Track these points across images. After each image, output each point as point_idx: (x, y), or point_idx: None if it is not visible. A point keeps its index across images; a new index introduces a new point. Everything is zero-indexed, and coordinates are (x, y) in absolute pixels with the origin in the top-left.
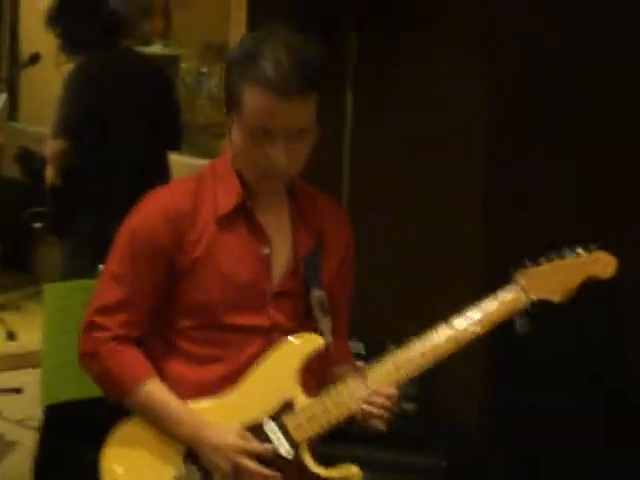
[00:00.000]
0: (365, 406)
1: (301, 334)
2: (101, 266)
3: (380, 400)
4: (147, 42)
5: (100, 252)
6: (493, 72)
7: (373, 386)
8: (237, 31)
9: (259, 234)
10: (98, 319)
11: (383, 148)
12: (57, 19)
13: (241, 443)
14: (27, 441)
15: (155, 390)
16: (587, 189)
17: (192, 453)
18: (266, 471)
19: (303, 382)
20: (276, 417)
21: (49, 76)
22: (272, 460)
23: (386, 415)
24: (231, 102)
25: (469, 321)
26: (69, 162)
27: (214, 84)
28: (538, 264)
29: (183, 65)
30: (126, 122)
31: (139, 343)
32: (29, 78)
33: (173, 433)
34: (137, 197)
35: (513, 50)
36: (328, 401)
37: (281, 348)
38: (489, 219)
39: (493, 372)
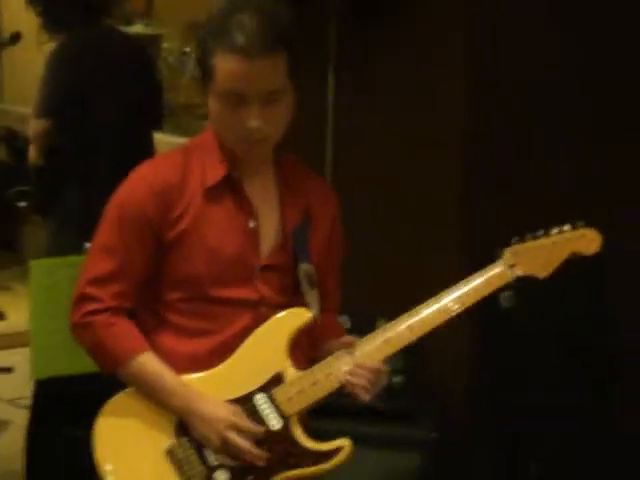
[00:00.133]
0: (348, 377)
1: (289, 308)
2: (87, 244)
3: (363, 372)
4: (129, 22)
5: (85, 230)
6: (475, 52)
7: (361, 360)
8: None
9: (246, 207)
10: (90, 290)
11: (365, 130)
12: (36, 3)
13: (232, 418)
14: (19, 420)
15: (148, 362)
16: (572, 168)
17: (184, 425)
18: (254, 450)
19: (292, 356)
20: (266, 390)
21: (32, 56)
22: (261, 438)
23: (370, 387)
24: (205, 73)
25: (457, 295)
26: (52, 141)
27: (198, 69)
28: (524, 241)
29: (165, 45)
30: (108, 101)
31: (131, 316)
32: (11, 58)
33: (166, 404)
34: (121, 175)
35: (492, 25)
36: (318, 374)
37: (270, 322)
38: (471, 196)
39: (480, 344)
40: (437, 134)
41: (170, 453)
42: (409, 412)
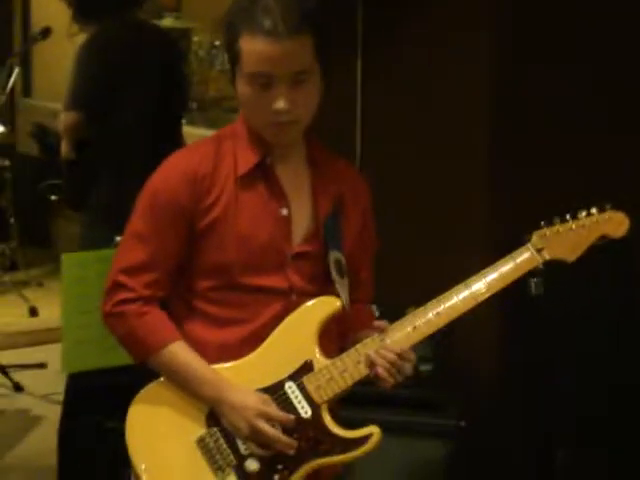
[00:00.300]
0: (373, 357)
1: (319, 297)
2: (118, 238)
3: (388, 355)
4: (159, 15)
5: (117, 223)
6: (504, 35)
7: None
8: None
9: (278, 194)
10: (123, 279)
11: (394, 116)
12: None
13: (261, 407)
14: (52, 415)
15: (180, 351)
16: (598, 154)
17: (214, 414)
18: (284, 438)
19: (322, 344)
20: (296, 379)
21: (62, 51)
22: (291, 426)
23: (395, 372)
24: (232, 59)
25: (485, 281)
26: (82, 134)
27: (226, 57)
28: (552, 224)
29: (195, 38)
30: (138, 93)
31: (163, 305)
32: (42, 54)
33: (196, 393)
34: (151, 168)
35: (522, 15)
36: (347, 361)
37: (299, 310)
38: (498, 183)
39: (509, 332)
40: (466, 120)
41: (201, 442)
42: (437, 400)
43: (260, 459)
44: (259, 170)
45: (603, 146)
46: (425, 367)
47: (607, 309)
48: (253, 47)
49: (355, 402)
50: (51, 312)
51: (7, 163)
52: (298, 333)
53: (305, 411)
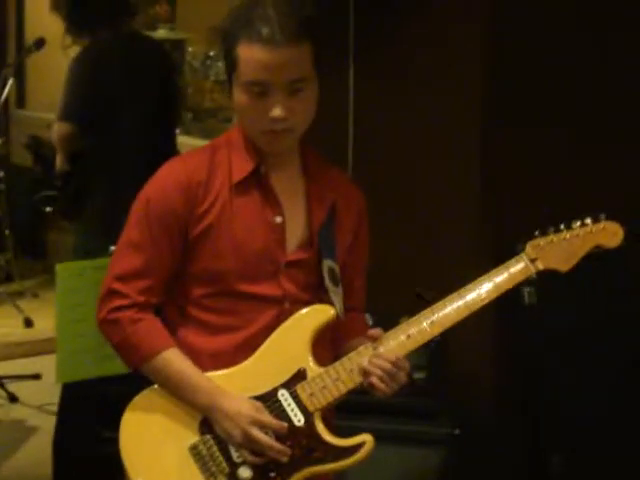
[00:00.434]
0: (365, 365)
1: (313, 305)
2: (112, 247)
3: (381, 362)
4: (153, 27)
5: (111, 233)
6: (493, 46)
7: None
8: None
9: (272, 203)
10: (117, 286)
11: (386, 122)
12: (62, 2)
13: (255, 414)
14: (47, 426)
15: (173, 358)
16: (593, 161)
17: (207, 421)
18: (277, 445)
19: (315, 353)
20: (289, 386)
21: (55, 63)
22: (284, 434)
23: (388, 380)
24: (229, 67)
25: (478, 291)
26: (75, 145)
27: (221, 68)
28: (546, 234)
29: (190, 49)
30: (131, 104)
31: (157, 312)
32: (36, 65)
33: (189, 401)
34: (145, 178)
35: (513, 25)
36: (340, 370)
37: (293, 318)
38: (491, 191)
39: (503, 340)
40: (457, 124)
41: (194, 449)
42: (431, 409)
43: (253, 467)
44: (253, 178)
45: (599, 151)
46: (419, 375)
47: (603, 317)
48: (250, 55)
49: (349, 410)
50: (46, 323)
51: (1, 174)
52: (292, 341)
53: (298, 419)
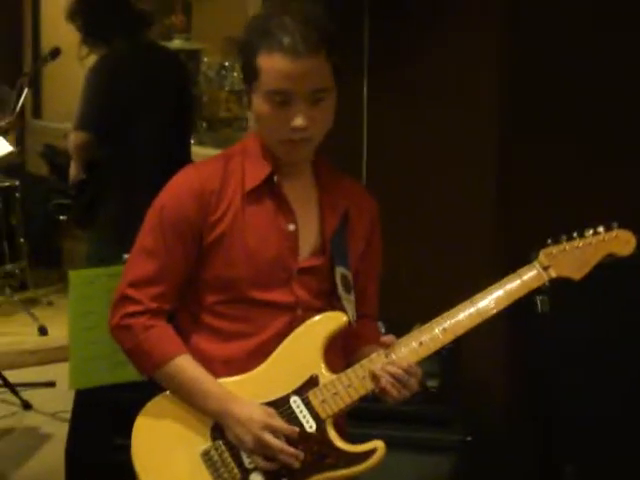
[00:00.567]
0: (378, 372)
1: (325, 312)
2: (126, 255)
3: (394, 369)
4: (169, 37)
5: (125, 241)
6: (507, 58)
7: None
8: None
9: (285, 210)
10: (130, 292)
11: (400, 130)
12: (78, 13)
13: (267, 419)
14: (61, 433)
15: (185, 364)
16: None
17: (219, 427)
18: (290, 449)
19: (328, 359)
20: (301, 393)
21: (71, 72)
22: (295, 439)
23: (400, 386)
24: (249, 77)
25: (491, 298)
26: (91, 154)
27: (236, 78)
28: (559, 242)
29: (205, 59)
30: (146, 113)
31: (170, 319)
32: (52, 75)
33: (201, 407)
34: (160, 186)
35: (531, 28)
36: (352, 376)
37: (305, 325)
38: (506, 200)
39: (516, 347)
40: (472, 136)
41: (206, 455)
42: (444, 416)
43: (264, 473)
44: (266, 186)
45: (614, 161)
46: (432, 383)
47: (617, 326)
48: (272, 64)
49: (361, 417)
50: (60, 331)
51: (17, 183)
52: (304, 348)
53: (310, 425)
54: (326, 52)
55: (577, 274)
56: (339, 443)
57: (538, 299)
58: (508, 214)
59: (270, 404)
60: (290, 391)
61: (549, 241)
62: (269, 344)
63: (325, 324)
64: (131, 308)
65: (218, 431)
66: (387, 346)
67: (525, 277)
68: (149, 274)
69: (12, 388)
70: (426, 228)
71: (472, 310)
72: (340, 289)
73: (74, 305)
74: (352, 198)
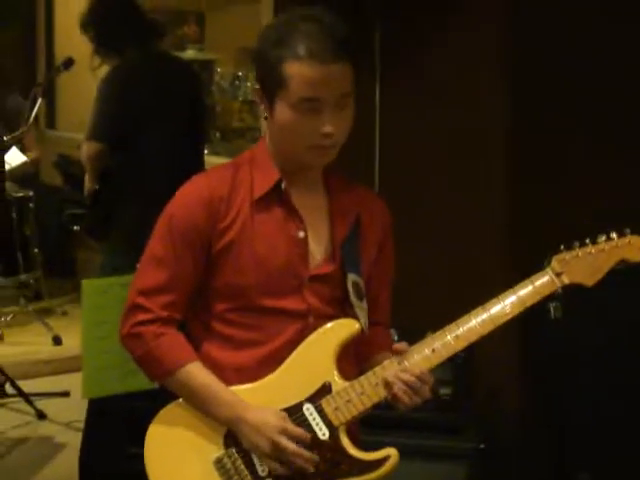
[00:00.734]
0: (391, 379)
1: (338, 319)
2: (138, 265)
3: (406, 377)
4: (182, 47)
5: (139, 252)
6: (513, 58)
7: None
8: None
9: (294, 218)
10: (140, 301)
11: (412, 135)
12: (90, 23)
13: (282, 424)
14: (75, 443)
15: (197, 372)
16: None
17: (232, 434)
18: (305, 453)
19: (340, 367)
20: (314, 400)
21: (86, 83)
22: (309, 445)
23: (412, 394)
24: (272, 86)
25: (503, 304)
26: (104, 164)
27: (249, 88)
28: (571, 249)
29: (218, 69)
30: (159, 124)
31: (181, 327)
32: (66, 86)
33: (214, 414)
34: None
35: (533, 29)
36: (365, 383)
37: (317, 333)
38: (519, 204)
39: (529, 355)
40: (480, 134)
41: (218, 463)
42: (457, 423)
43: None
44: (275, 194)
45: (629, 162)
46: (445, 391)
47: (631, 333)
48: (301, 72)
49: (374, 425)
50: (75, 341)
51: (31, 193)
52: (316, 355)
53: (323, 433)
54: (347, 57)
55: (590, 280)
56: (352, 451)
57: (551, 306)
58: (518, 213)
59: (283, 412)
60: (303, 399)
61: (562, 247)
62: (281, 352)
63: (337, 331)
64: (141, 316)
65: (231, 439)
66: (400, 353)
67: (537, 283)
68: (159, 283)
69: (27, 398)
70: (439, 234)
71: (485, 317)
72: (352, 296)
73: (87, 314)
74: (363, 204)
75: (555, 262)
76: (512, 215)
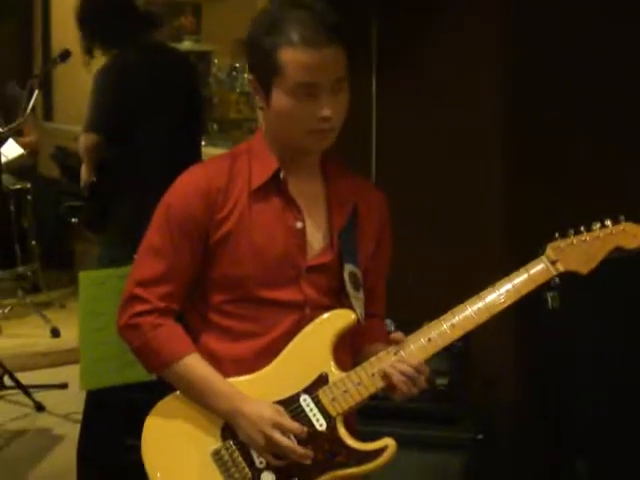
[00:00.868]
0: (387, 369)
1: (334, 310)
2: (136, 256)
3: (403, 367)
4: (178, 39)
5: (136, 243)
6: (512, 53)
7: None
8: None
9: (292, 208)
10: (138, 291)
11: (409, 128)
12: (85, 17)
13: (277, 418)
14: (73, 435)
15: (194, 364)
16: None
17: (229, 427)
18: (299, 448)
19: (337, 357)
20: (311, 391)
21: (83, 75)
22: (306, 437)
23: (409, 383)
24: (267, 74)
25: (499, 293)
26: (102, 156)
27: (247, 79)
28: (566, 236)
29: (216, 61)
30: (156, 115)
31: (178, 319)
32: (63, 78)
33: (211, 406)
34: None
35: (529, 23)
36: (362, 373)
37: (314, 323)
38: (516, 195)
39: (526, 344)
40: (479, 132)
41: (216, 455)
42: (454, 414)
43: (276, 472)
44: (273, 184)
45: (625, 157)
46: (442, 381)
47: (628, 322)
48: (296, 58)
49: (371, 415)
50: (73, 333)
51: (28, 185)
52: (313, 346)
53: (320, 424)
54: (340, 41)
55: (584, 268)
56: (349, 441)
57: (548, 295)
58: (516, 212)
59: (280, 403)
60: (300, 390)
61: (556, 235)
62: (278, 343)
63: (334, 322)
64: (139, 307)
65: (228, 431)
66: (396, 343)
67: (532, 271)
68: (157, 273)
69: (25, 390)
70: (436, 226)
71: (480, 305)
72: (348, 286)
73: (84, 306)
74: (361, 195)
75: (550, 250)
76: (512, 213)
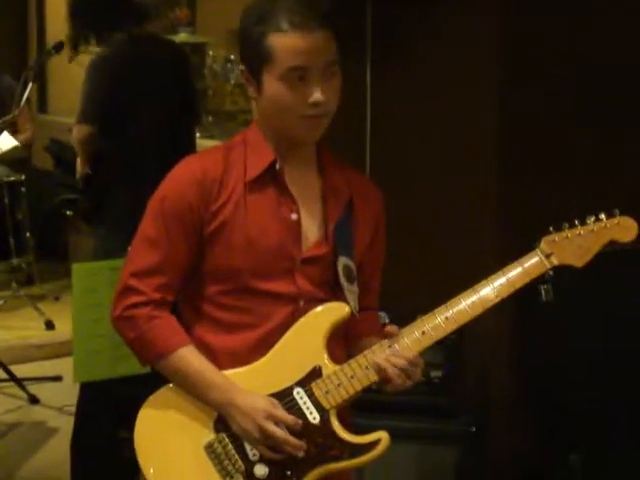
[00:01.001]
0: (381, 363)
1: (328, 303)
2: (130, 247)
3: (398, 360)
4: (173, 31)
5: (131, 235)
6: (509, 43)
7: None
8: None
9: (287, 200)
10: (133, 283)
11: (403, 120)
12: (77, 10)
13: (270, 409)
14: (67, 427)
15: (189, 356)
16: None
17: (222, 419)
18: (292, 440)
19: (330, 350)
20: (304, 384)
21: (78, 68)
22: (299, 430)
23: (404, 376)
24: (258, 62)
25: (493, 286)
26: (95, 147)
27: (239, 70)
28: (561, 230)
29: (210, 53)
30: (149, 106)
31: (173, 310)
32: (58, 70)
33: (204, 398)
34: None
35: (527, 13)
36: (355, 366)
37: (307, 316)
38: (508, 191)
39: (520, 337)
40: (474, 123)
41: (209, 448)
42: (447, 406)
43: (269, 464)
44: (268, 175)
45: (621, 150)
46: (436, 374)
47: (623, 315)
48: (286, 43)
49: (365, 408)
50: (67, 326)
51: (22, 178)
52: (307, 339)
53: (314, 417)
54: (330, 27)
55: (579, 261)
56: (343, 434)
57: (542, 288)
58: (511, 205)
59: (274, 395)
60: (293, 382)
61: (551, 229)
62: (272, 335)
63: (328, 315)
64: (134, 299)
65: (222, 423)
66: (390, 337)
67: (527, 265)
68: (152, 264)
69: (19, 382)
70: (431, 219)
71: (474, 298)
72: (342, 279)
73: (78, 298)
74: (357, 188)
75: (544, 243)
76: (506, 206)
